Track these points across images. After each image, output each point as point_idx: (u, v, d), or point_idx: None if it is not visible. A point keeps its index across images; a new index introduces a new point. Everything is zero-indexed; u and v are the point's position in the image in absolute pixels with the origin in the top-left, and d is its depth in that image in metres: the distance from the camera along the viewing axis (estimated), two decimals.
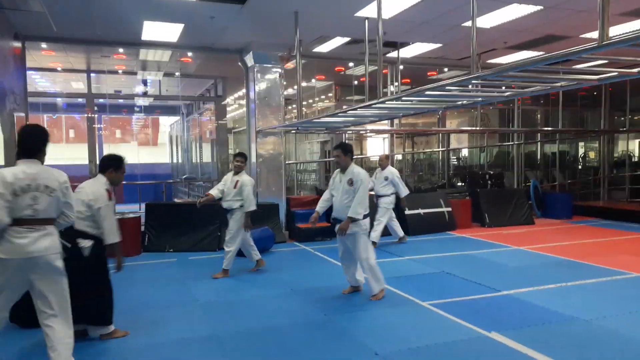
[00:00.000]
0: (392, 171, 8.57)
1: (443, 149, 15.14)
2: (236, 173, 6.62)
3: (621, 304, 5.29)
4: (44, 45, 9.79)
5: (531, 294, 5.69)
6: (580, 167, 16.44)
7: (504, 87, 5.83)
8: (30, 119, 9.89)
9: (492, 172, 12.34)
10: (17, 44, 8.94)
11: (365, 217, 5.37)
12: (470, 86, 5.48)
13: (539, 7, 7.82)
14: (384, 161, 8.66)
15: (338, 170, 5.53)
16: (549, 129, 13.86)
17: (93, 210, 4.18)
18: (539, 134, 14.29)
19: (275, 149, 10.19)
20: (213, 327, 4.77)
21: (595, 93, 14.52)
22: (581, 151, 16.91)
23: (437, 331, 4.58)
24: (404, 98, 5.61)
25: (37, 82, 13.84)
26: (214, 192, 6.60)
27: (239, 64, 10.49)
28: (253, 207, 6.50)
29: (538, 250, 8.14)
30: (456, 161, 17.29)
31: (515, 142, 13.53)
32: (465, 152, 17.64)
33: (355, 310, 5.24)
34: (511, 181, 13.25)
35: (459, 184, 14.84)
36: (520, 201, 11.12)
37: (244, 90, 10.91)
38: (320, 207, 5.65)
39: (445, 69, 12.58)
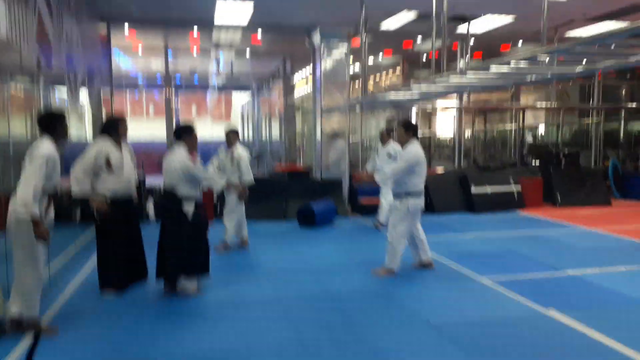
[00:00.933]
0: (395, 147, 7.80)
1: (515, 126, 14.55)
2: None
3: None
4: (126, 26, 10.48)
5: (598, 275, 5.52)
6: None
7: (584, 61, 5.56)
8: (115, 97, 10.69)
9: (567, 151, 11.74)
10: (103, 27, 9.65)
11: (408, 195, 5.39)
12: (542, 61, 5.29)
13: None
14: (385, 137, 8.04)
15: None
16: (634, 105, 12.89)
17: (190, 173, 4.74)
18: (622, 111, 13.34)
19: (341, 125, 10.34)
20: (276, 290, 5.09)
21: None
22: None
23: (493, 306, 4.61)
24: (469, 73, 5.53)
25: (121, 62, 14.83)
26: None
27: (306, 42, 10.66)
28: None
29: (612, 232, 7.77)
30: (532, 139, 16.55)
31: (595, 120, 12.73)
32: (542, 130, 16.83)
33: (412, 282, 5.36)
34: (589, 160, 12.56)
35: (533, 162, 14.25)
36: (596, 181, 10.57)
37: (311, 68, 11.10)
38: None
39: (520, 42, 12.02)
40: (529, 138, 16.18)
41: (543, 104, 14.11)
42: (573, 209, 9.91)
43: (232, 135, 6.67)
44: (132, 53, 13.69)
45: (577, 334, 3.96)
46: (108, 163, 4.66)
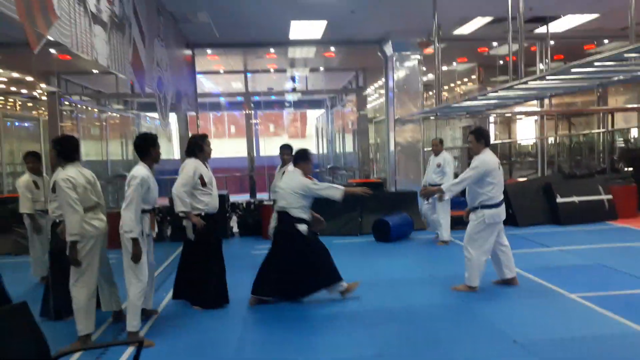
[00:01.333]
0: (445, 157, 7.71)
1: (603, 129, 13.62)
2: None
3: None
4: (208, 51, 11.14)
5: None
6: None
7: None
8: (199, 118, 11.36)
9: None
10: (188, 52, 10.34)
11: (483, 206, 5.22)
12: (635, 58, 4.96)
13: None
14: (438, 146, 7.87)
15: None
16: None
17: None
18: None
19: (414, 136, 10.26)
20: (357, 303, 5.12)
21: None
22: None
23: (584, 324, 4.36)
24: (548, 77, 5.32)
25: (204, 84, 15.73)
26: None
27: (379, 54, 10.74)
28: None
29: None
30: (623, 143, 15.38)
31: None
32: (634, 133, 15.60)
33: (495, 298, 5.18)
34: None
35: (626, 168, 13.23)
36: None
37: (383, 80, 11.14)
38: None
39: (605, 41, 11.30)
40: (619, 142, 15.04)
41: (634, 106, 13.10)
42: None
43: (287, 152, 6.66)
44: (214, 75, 14.48)
45: None
46: (202, 181, 5.00)
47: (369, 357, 3.87)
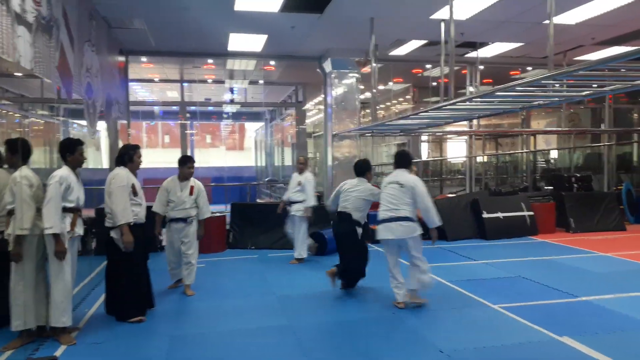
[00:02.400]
0: (307, 176, 7.69)
1: (526, 150, 14.55)
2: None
3: None
4: (143, 58, 10.83)
5: (613, 301, 5.46)
6: None
7: (595, 85, 5.62)
8: (131, 126, 10.97)
9: (579, 175, 11.68)
10: (122, 58, 9.99)
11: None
12: (552, 85, 5.35)
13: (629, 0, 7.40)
14: (302, 165, 7.83)
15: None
16: None
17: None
18: (635, 134, 13.28)
19: (351, 152, 10.46)
20: (288, 318, 5.11)
21: None
22: None
23: (505, 333, 4.58)
24: (475, 99, 5.62)
25: (137, 92, 15.24)
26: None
27: (318, 70, 10.90)
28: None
29: (627, 258, 7.67)
30: (545, 164, 16.49)
31: (607, 143, 12.68)
32: (554, 154, 16.78)
33: (424, 309, 5.34)
34: (602, 185, 12.46)
35: (546, 187, 14.18)
36: (610, 206, 10.46)
37: (322, 96, 11.30)
38: None
39: (529, 68, 12.13)
40: (541, 162, 16.13)
41: (554, 129, 14.12)
42: (587, 235, 9.80)
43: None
44: (149, 84, 14.07)
45: None
46: (134, 190, 4.84)
47: None
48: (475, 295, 5.74)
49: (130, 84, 11.34)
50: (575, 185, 11.24)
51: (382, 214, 5.41)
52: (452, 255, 8.02)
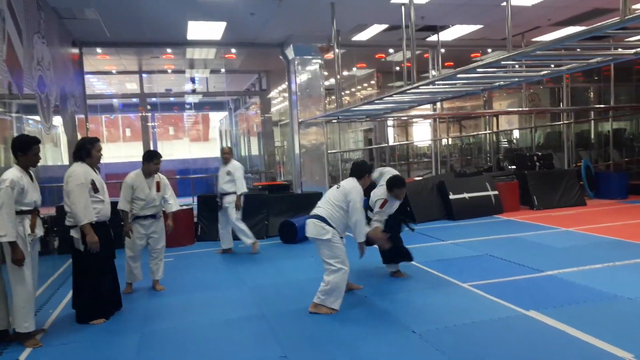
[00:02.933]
0: (234, 165, 7.61)
1: (489, 131, 14.86)
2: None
3: None
4: (99, 50, 10.47)
5: (576, 274, 5.64)
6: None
7: (552, 66, 5.74)
8: (89, 120, 10.60)
9: (540, 154, 12.01)
10: (75, 50, 9.60)
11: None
12: (512, 66, 5.43)
13: None
14: (227, 155, 7.72)
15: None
16: (602, 106, 13.28)
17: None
18: (592, 112, 13.73)
19: (318, 139, 10.43)
20: (260, 307, 5.07)
21: None
22: None
23: (475, 311, 4.67)
24: (437, 82, 5.66)
25: (94, 85, 14.73)
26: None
27: (281, 57, 10.77)
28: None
29: (588, 232, 7.96)
30: (507, 144, 16.88)
31: (565, 122, 13.07)
32: (517, 134, 17.20)
33: (395, 292, 5.41)
34: (562, 162, 12.86)
35: (509, 166, 14.53)
36: (571, 182, 10.82)
37: (286, 83, 11.19)
38: None
39: (489, 50, 12.33)
40: (504, 143, 16.50)
41: (515, 109, 14.44)
42: (549, 211, 10.12)
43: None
44: (107, 76, 13.62)
45: (557, 332, 4.04)
46: (94, 186, 4.65)
47: (274, 358, 3.83)
48: (445, 275, 5.84)
49: (87, 76, 10.94)
50: (537, 163, 11.55)
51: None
52: (420, 237, 8.13)
